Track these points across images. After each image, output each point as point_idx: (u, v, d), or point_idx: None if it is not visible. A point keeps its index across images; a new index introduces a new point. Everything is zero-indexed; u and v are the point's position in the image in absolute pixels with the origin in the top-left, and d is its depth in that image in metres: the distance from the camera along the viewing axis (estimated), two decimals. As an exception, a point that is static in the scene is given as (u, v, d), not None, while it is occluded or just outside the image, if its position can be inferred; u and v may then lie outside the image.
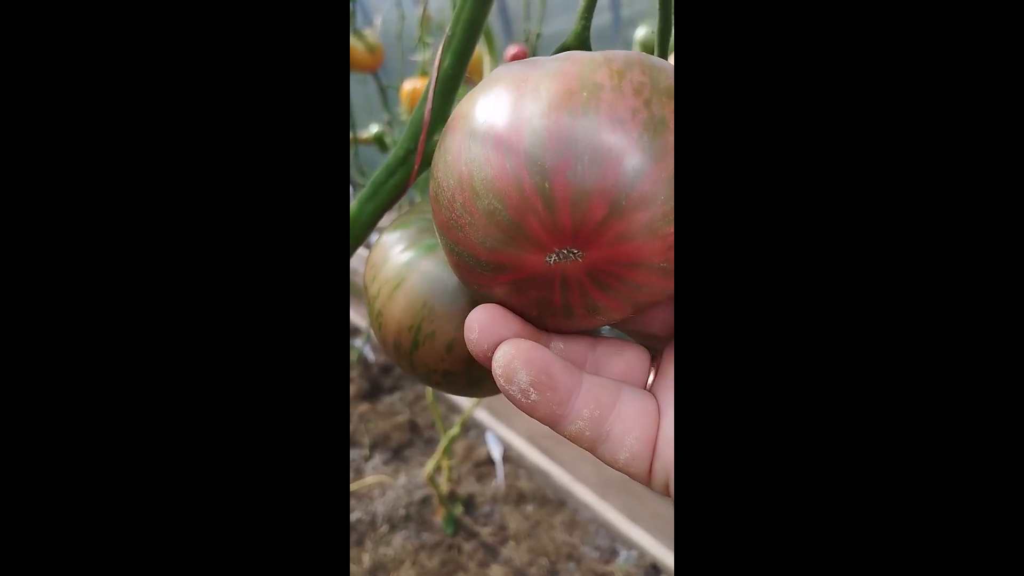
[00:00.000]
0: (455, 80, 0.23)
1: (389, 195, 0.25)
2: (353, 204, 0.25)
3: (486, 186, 0.15)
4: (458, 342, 0.22)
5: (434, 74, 0.23)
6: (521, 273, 0.16)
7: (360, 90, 1.34)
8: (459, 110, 0.18)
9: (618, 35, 1.60)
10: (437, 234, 0.18)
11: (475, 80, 0.91)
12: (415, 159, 0.24)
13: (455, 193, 0.16)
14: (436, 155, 0.18)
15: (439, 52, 0.23)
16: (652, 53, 1.04)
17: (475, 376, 0.23)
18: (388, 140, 1.31)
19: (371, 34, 1.01)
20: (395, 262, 0.24)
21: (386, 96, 1.18)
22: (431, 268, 0.23)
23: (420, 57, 0.90)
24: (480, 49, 0.86)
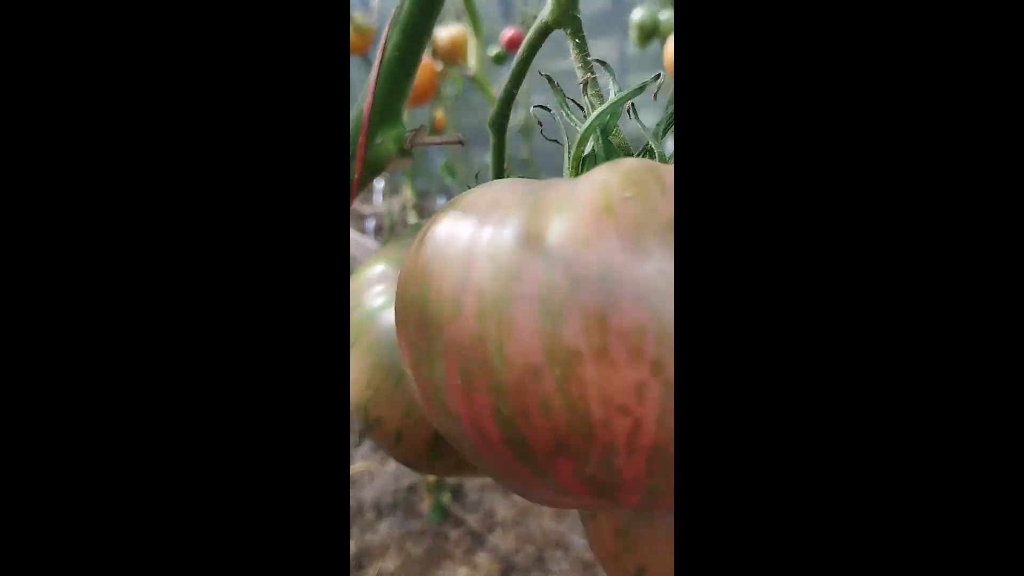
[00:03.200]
0: (406, 65, 0.17)
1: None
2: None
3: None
4: (407, 435, 0.17)
5: (378, 58, 0.17)
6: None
7: (356, 75, 1.27)
8: (403, 293, 0.12)
9: (618, 19, 1.52)
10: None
11: (460, 63, 0.84)
12: (355, 167, 0.18)
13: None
14: (399, 297, 0.13)
15: (386, 30, 0.17)
16: (651, 35, 0.95)
17: (442, 468, 0.18)
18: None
19: (361, 16, 0.95)
20: (362, 311, 0.18)
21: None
22: (387, 330, 0.17)
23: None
24: (465, 30, 0.79)
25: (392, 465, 1.22)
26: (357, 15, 0.94)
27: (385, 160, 0.18)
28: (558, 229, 0.10)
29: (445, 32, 0.85)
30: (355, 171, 0.18)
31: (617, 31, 1.51)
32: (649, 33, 0.98)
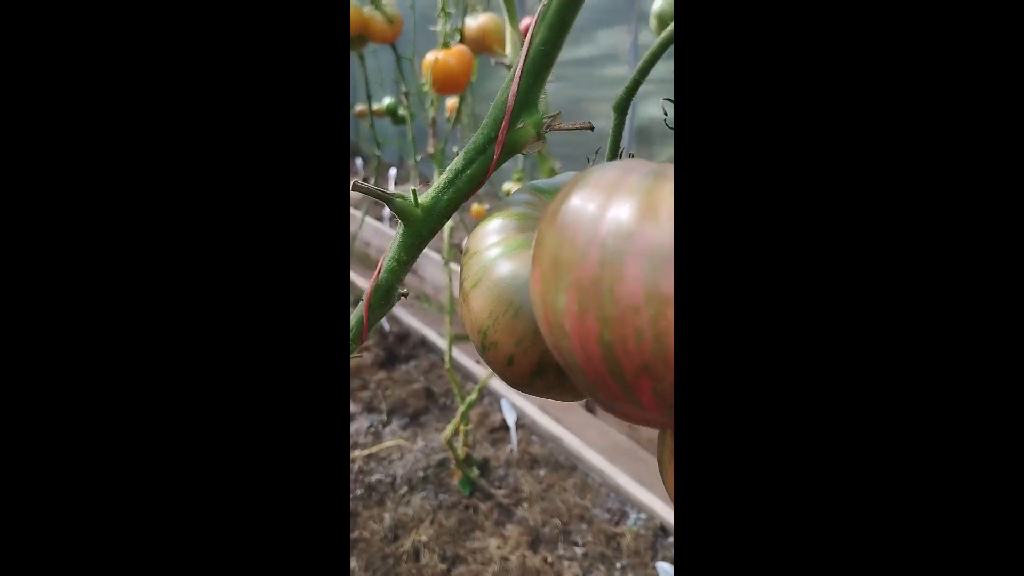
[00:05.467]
0: (548, 58, 0.19)
1: (466, 185, 0.21)
2: (429, 193, 0.22)
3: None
4: (517, 358, 0.20)
5: (524, 51, 0.19)
6: None
7: (372, 61, 1.28)
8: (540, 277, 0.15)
9: (632, 7, 1.52)
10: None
11: (495, 51, 0.86)
12: (495, 148, 0.20)
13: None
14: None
15: (532, 24, 0.19)
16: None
17: (541, 387, 0.21)
18: (402, 112, 1.26)
19: (389, 4, 0.96)
20: (483, 257, 0.21)
21: (401, 67, 1.12)
22: (506, 274, 0.20)
23: (440, 28, 0.85)
24: (499, 18, 0.80)
25: (421, 442, 1.25)
26: (386, 2, 0.96)
27: (523, 143, 0.20)
28: (667, 206, 0.13)
29: (475, 21, 0.86)
30: (495, 153, 0.20)
31: (630, 19, 1.52)
32: (669, 23, 0.98)
